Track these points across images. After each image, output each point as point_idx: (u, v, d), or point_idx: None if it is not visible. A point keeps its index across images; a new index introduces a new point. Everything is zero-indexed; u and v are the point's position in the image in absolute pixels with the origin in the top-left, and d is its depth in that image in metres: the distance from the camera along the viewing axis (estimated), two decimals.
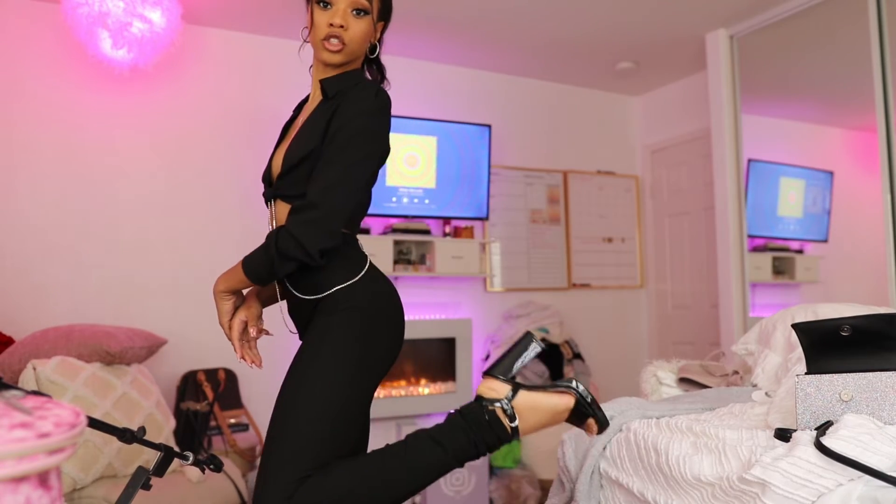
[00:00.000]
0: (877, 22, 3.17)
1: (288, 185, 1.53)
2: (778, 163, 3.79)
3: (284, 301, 1.69)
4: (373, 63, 1.67)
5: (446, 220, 4.08)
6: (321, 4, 1.53)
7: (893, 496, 1.33)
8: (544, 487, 3.77)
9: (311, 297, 1.54)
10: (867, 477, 1.37)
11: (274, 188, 1.57)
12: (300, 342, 1.62)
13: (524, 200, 4.56)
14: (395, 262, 3.85)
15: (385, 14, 1.63)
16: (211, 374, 3.43)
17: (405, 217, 3.94)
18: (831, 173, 3.64)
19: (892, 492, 1.33)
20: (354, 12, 1.53)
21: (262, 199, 1.65)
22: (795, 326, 1.70)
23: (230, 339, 1.63)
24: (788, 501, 1.42)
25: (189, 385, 3.36)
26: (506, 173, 4.48)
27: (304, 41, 1.63)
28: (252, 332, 1.67)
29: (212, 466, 1.70)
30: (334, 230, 1.44)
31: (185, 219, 3.60)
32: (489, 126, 4.13)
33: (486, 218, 4.15)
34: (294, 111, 1.72)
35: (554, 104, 4.72)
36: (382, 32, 1.65)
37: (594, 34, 3.91)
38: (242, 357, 1.64)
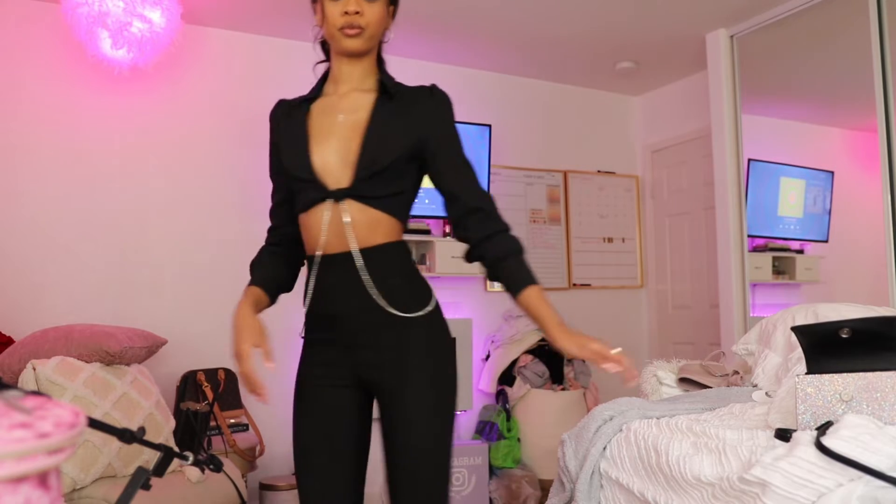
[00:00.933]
0: (877, 22, 3.17)
1: (373, 187, 1.48)
2: (778, 163, 3.79)
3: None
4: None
5: (446, 220, 4.08)
6: None
7: (894, 496, 1.33)
8: (544, 487, 3.77)
9: (408, 315, 1.50)
10: (867, 477, 1.36)
11: (353, 189, 1.48)
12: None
13: (524, 200, 4.56)
14: None
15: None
16: (211, 374, 3.43)
17: None
18: (831, 173, 3.64)
19: (892, 492, 1.33)
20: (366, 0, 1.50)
21: (300, 198, 1.54)
22: (795, 329, 1.70)
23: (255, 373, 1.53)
24: (789, 501, 1.42)
25: (189, 385, 3.36)
26: (506, 173, 4.48)
27: (316, 41, 1.61)
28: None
29: (211, 466, 1.70)
30: None
31: (186, 218, 3.60)
32: (489, 126, 4.13)
33: None
34: (302, 103, 1.60)
35: (554, 104, 4.71)
36: (392, 17, 1.62)
37: (594, 34, 3.91)
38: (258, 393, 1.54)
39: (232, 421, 3.35)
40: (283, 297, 1.78)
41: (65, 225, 3.35)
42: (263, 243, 1.72)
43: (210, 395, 3.32)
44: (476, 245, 1.52)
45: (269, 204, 1.76)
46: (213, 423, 3.23)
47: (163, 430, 2.75)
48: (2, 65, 3.27)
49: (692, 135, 4.54)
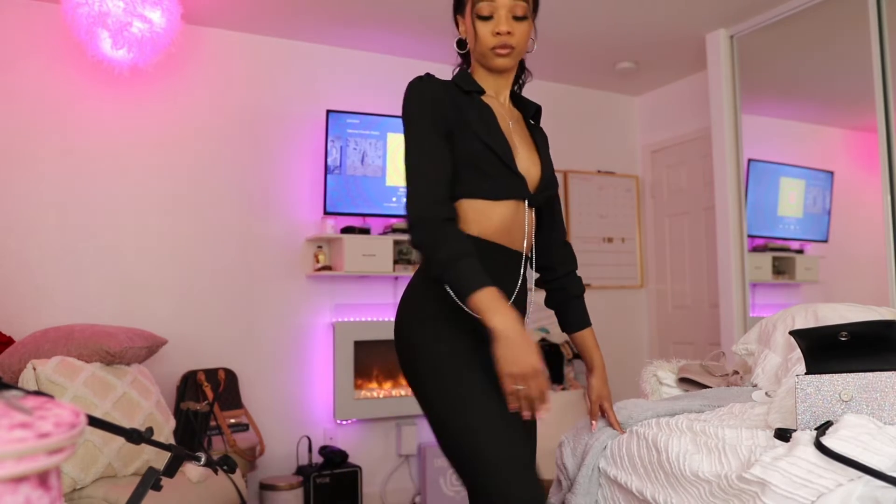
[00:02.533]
0: (877, 22, 3.17)
1: (543, 201, 1.65)
2: (778, 163, 3.79)
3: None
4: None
5: None
6: (480, 18, 1.59)
7: (893, 496, 1.33)
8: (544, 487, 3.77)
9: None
10: (867, 477, 1.37)
11: (534, 199, 1.60)
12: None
13: None
14: (395, 262, 3.85)
15: (536, 8, 1.66)
16: (211, 374, 3.43)
17: (405, 217, 3.94)
18: (831, 173, 3.64)
19: (892, 492, 1.33)
20: (515, 19, 1.57)
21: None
22: (793, 333, 1.71)
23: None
24: (788, 501, 1.42)
25: (189, 385, 3.36)
26: None
27: (460, 53, 1.73)
28: None
29: (225, 467, 1.70)
30: None
31: (186, 218, 3.60)
32: None
33: None
34: (482, 107, 1.59)
35: (554, 104, 4.71)
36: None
37: (594, 34, 3.91)
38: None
39: (232, 421, 3.35)
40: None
41: (65, 225, 3.35)
42: (438, 219, 1.46)
43: (210, 395, 3.32)
44: (560, 276, 1.75)
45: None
46: (213, 423, 3.23)
47: (163, 430, 2.75)
48: (2, 65, 3.27)
49: (692, 135, 4.54)
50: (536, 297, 1.68)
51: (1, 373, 2.72)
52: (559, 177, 4.67)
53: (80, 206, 3.39)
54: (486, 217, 1.52)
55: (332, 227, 3.73)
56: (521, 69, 1.76)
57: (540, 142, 1.68)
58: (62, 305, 3.29)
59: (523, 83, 1.76)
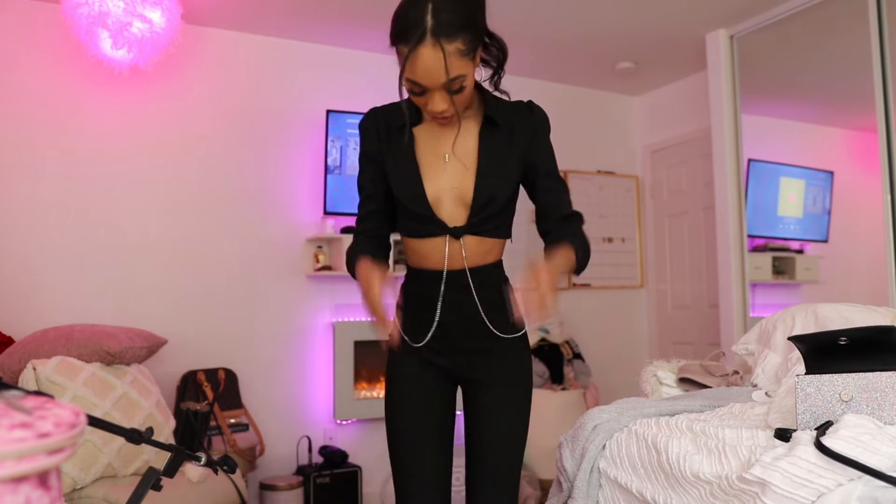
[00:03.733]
0: (877, 22, 3.17)
1: (487, 221, 1.56)
2: (778, 163, 3.79)
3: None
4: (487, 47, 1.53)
5: None
6: (413, 93, 1.44)
7: (893, 496, 1.33)
8: (544, 487, 3.77)
9: (510, 336, 1.59)
10: (867, 477, 1.37)
11: (469, 227, 1.54)
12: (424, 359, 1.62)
13: (524, 200, 4.55)
14: (395, 262, 3.84)
15: (478, 41, 1.46)
16: (211, 374, 3.43)
17: None
18: (831, 173, 3.64)
19: (892, 492, 1.33)
20: (455, 92, 1.41)
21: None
22: (792, 339, 1.71)
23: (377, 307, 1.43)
24: (788, 501, 1.42)
25: (189, 385, 3.36)
26: None
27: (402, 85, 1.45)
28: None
29: (225, 468, 1.70)
30: None
31: (186, 218, 3.60)
32: None
33: None
34: (406, 132, 1.56)
35: (554, 104, 4.68)
36: (486, 46, 1.52)
37: (594, 34, 3.91)
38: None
39: (232, 421, 3.35)
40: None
41: (65, 225, 3.35)
42: (356, 232, 1.67)
43: (210, 395, 3.32)
44: (553, 230, 1.62)
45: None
46: (213, 423, 3.23)
47: (163, 430, 2.75)
48: (2, 65, 3.27)
49: (692, 135, 4.54)
50: None
51: (1, 373, 2.72)
52: None
53: (80, 206, 3.38)
54: (414, 252, 1.61)
55: (332, 227, 3.73)
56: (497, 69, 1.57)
57: (487, 155, 1.53)
58: (62, 305, 3.29)
59: (497, 81, 1.57)
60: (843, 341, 1.60)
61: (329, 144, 3.72)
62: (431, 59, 1.35)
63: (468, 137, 1.54)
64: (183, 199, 3.61)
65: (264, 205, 3.76)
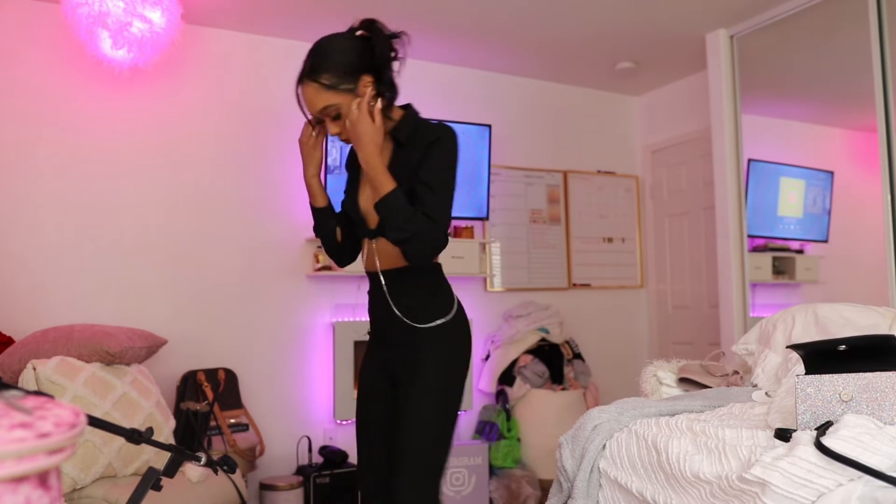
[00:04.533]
0: (877, 22, 3.17)
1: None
2: (778, 163, 3.79)
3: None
4: (386, 88, 1.82)
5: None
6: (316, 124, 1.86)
7: (894, 496, 1.33)
8: (544, 487, 3.77)
9: (420, 326, 1.79)
10: (867, 477, 1.37)
11: (379, 230, 1.82)
12: (373, 342, 1.98)
13: (524, 200, 4.56)
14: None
15: (356, 74, 1.74)
16: (211, 374, 3.43)
17: None
18: (831, 173, 3.64)
19: (892, 492, 1.33)
20: (332, 119, 1.77)
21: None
22: (791, 347, 1.71)
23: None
24: (788, 501, 1.42)
25: (189, 385, 3.36)
26: (506, 173, 4.48)
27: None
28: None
29: (225, 468, 1.70)
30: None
31: (186, 218, 3.60)
32: (489, 126, 4.13)
33: (486, 218, 4.15)
34: (352, 151, 1.94)
35: (554, 104, 4.72)
36: (383, 75, 1.80)
37: (594, 34, 3.91)
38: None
39: (232, 421, 3.35)
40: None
41: (65, 225, 3.35)
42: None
43: (210, 395, 3.32)
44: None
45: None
46: (213, 423, 3.23)
47: (163, 430, 2.75)
48: (2, 65, 3.27)
49: (692, 135, 4.54)
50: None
51: (1, 373, 2.72)
52: (559, 176, 4.68)
53: (79, 206, 3.38)
54: (361, 253, 1.96)
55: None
56: (390, 90, 1.84)
57: (392, 169, 1.75)
58: (62, 305, 3.29)
59: (390, 101, 1.84)
60: (842, 348, 1.60)
61: (329, 144, 3.72)
62: (309, 93, 1.76)
63: (386, 154, 1.82)
64: (183, 199, 3.61)
65: (264, 205, 3.76)
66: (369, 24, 1.82)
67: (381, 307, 1.85)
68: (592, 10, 3.61)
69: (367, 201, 1.84)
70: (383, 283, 1.83)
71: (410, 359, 1.79)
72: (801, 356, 1.69)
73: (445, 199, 1.76)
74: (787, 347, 1.72)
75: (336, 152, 3.73)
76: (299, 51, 1.79)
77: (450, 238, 4.31)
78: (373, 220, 1.84)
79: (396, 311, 1.79)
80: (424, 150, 1.74)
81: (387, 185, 1.70)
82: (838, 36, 3.44)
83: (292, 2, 3.45)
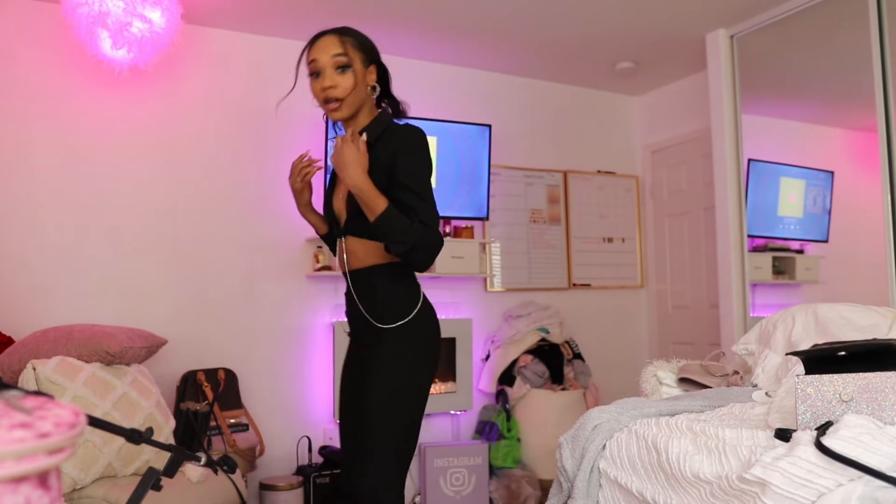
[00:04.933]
0: (877, 22, 3.17)
1: (358, 225, 1.87)
2: (778, 163, 3.79)
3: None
4: (384, 98, 1.97)
5: (446, 220, 4.08)
6: (313, 76, 1.89)
7: (894, 496, 1.33)
8: (544, 487, 3.77)
9: (382, 326, 1.86)
10: (867, 477, 1.37)
11: (345, 229, 1.93)
12: (352, 342, 2.05)
13: (524, 200, 4.56)
14: None
15: (371, 57, 1.91)
16: (211, 374, 3.43)
17: None
18: (831, 173, 3.64)
19: (892, 492, 1.33)
20: (339, 70, 1.84)
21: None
22: (793, 353, 1.71)
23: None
24: (788, 501, 1.42)
25: (189, 385, 3.36)
26: (506, 173, 4.48)
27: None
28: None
29: (225, 468, 1.70)
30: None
31: (185, 218, 3.60)
32: (489, 126, 4.13)
33: (486, 218, 4.15)
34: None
35: (554, 104, 4.72)
36: (381, 73, 1.94)
37: (594, 34, 3.91)
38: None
39: (232, 421, 3.35)
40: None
41: (65, 225, 3.35)
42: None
43: (210, 395, 3.32)
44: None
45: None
46: (213, 423, 3.23)
47: (163, 430, 2.75)
48: (2, 65, 3.27)
49: (692, 135, 4.54)
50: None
51: (1, 373, 2.72)
52: (559, 176, 4.68)
53: (79, 206, 3.38)
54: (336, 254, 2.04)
55: None
56: (393, 104, 1.99)
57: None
58: (62, 305, 3.29)
59: (401, 113, 1.98)
60: (842, 354, 1.61)
61: (329, 144, 3.71)
62: (328, 41, 1.86)
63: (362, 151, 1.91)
64: (183, 199, 3.61)
65: (264, 205, 3.76)
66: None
67: (351, 307, 1.95)
68: (592, 11, 3.60)
69: (339, 202, 1.97)
70: (350, 283, 1.92)
71: (374, 357, 1.86)
72: (801, 359, 1.69)
73: (431, 201, 1.82)
74: (787, 354, 1.72)
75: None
76: (299, 51, 1.85)
77: (450, 238, 4.33)
78: (342, 219, 1.95)
79: (363, 311, 1.88)
80: (396, 152, 1.83)
81: (380, 203, 1.75)
82: (838, 36, 3.43)
83: (292, 2, 3.45)
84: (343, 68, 1.84)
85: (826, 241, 3.67)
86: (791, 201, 3.75)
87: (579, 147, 4.79)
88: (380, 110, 1.96)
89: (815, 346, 1.77)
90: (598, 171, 4.85)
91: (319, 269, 3.75)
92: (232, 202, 3.70)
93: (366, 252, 1.88)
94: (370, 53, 1.91)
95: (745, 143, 3.81)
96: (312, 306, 3.84)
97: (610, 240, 4.85)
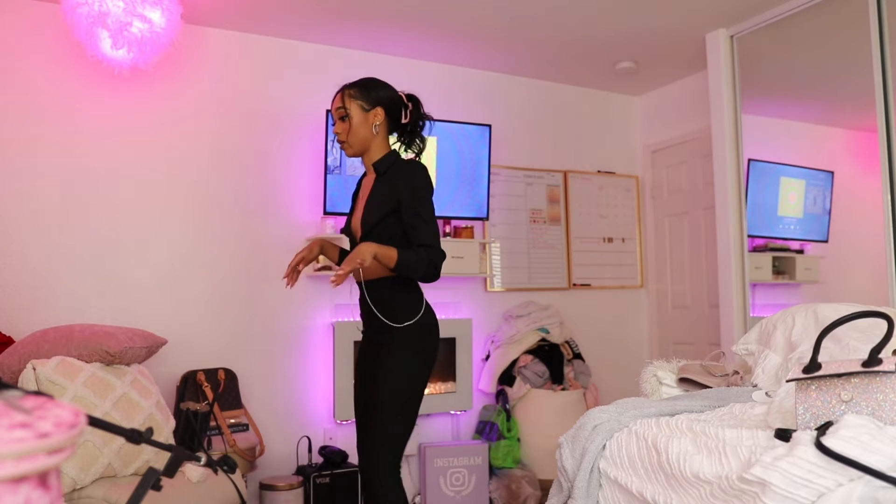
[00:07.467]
0: (877, 22, 3.17)
1: (371, 241, 2.16)
2: (778, 163, 3.79)
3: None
4: (404, 134, 2.36)
5: (446, 220, 4.08)
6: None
7: (894, 496, 1.33)
8: (544, 487, 3.77)
9: (396, 326, 2.21)
10: (867, 477, 1.37)
11: (361, 241, 2.25)
12: (364, 339, 2.39)
13: (524, 200, 4.56)
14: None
15: (376, 101, 2.27)
16: (211, 374, 3.43)
17: None
18: (831, 173, 3.64)
19: (892, 492, 1.33)
20: (341, 119, 2.28)
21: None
22: (792, 380, 1.70)
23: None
24: (788, 501, 1.42)
25: (189, 385, 3.36)
26: (506, 173, 4.48)
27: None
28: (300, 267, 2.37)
29: (225, 468, 1.70)
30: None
31: (185, 218, 3.60)
32: (489, 126, 4.13)
33: (486, 218, 4.15)
34: (357, 184, 2.48)
35: (554, 104, 4.72)
36: (394, 114, 2.31)
37: (594, 34, 3.91)
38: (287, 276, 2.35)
39: (232, 421, 3.35)
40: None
41: (65, 225, 3.35)
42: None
43: (210, 395, 3.32)
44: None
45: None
46: (213, 423, 3.23)
47: (163, 430, 2.75)
48: (2, 64, 3.27)
49: (692, 135, 4.54)
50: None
51: (1, 373, 2.72)
52: (559, 176, 4.68)
53: (80, 206, 3.38)
54: None
55: (331, 227, 3.73)
56: (410, 139, 2.38)
57: (372, 195, 2.28)
58: (62, 305, 3.29)
59: (418, 151, 2.38)
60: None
61: (329, 144, 3.72)
62: (336, 97, 2.30)
63: (370, 184, 2.34)
64: (183, 199, 3.61)
65: (264, 205, 3.76)
66: (414, 96, 2.36)
67: (366, 310, 2.31)
68: (592, 11, 3.61)
69: (356, 221, 2.33)
70: (365, 291, 2.27)
71: (386, 350, 2.22)
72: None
73: (433, 224, 2.22)
74: (788, 381, 1.71)
75: (336, 152, 3.74)
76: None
77: (450, 238, 4.34)
78: (358, 236, 2.31)
79: (378, 314, 2.23)
80: (404, 183, 2.21)
81: (392, 254, 2.11)
82: (838, 36, 3.43)
83: (292, 2, 3.45)
84: (343, 118, 2.27)
85: (826, 241, 3.67)
86: (791, 201, 3.75)
87: (579, 147, 4.79)
88: (391, 149, 2.34)
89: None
90: (599, 171, 4.85)
91: (319, 270, 3.75)
92: (232, 202, 3.70)
93: (378, 265, 2.17)
94: (374, 99, 2.27)
95: (745, 143, 3.81)
96: (312, 306, 3.84)
97: (610, 240, 4.85)
